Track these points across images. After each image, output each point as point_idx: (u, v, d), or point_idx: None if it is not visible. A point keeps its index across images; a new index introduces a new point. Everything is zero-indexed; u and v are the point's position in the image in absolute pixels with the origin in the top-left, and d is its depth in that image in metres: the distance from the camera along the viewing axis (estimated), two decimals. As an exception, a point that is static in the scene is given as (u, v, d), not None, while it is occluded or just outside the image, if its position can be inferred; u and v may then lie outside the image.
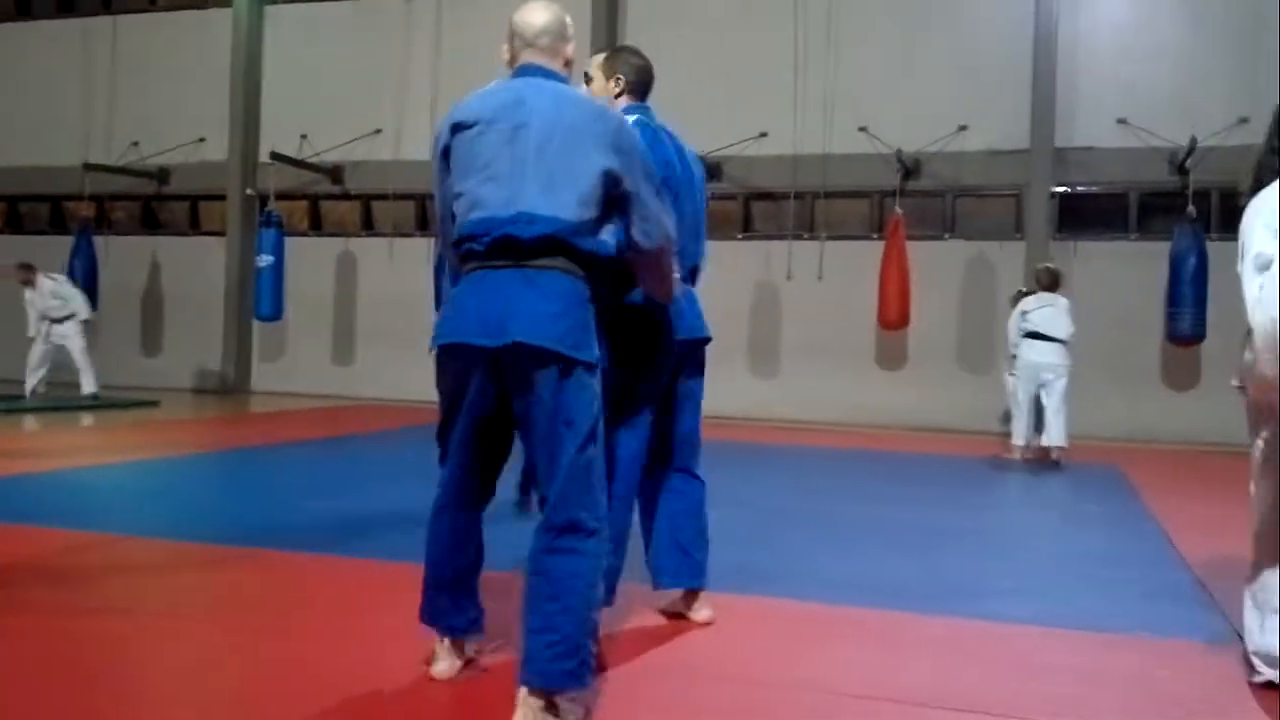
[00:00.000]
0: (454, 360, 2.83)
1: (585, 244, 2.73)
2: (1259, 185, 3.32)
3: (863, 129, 13.05)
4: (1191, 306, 11.38)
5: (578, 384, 2.67)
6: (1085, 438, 11.45)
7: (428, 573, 2.98)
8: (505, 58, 3.05)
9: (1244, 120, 11.92)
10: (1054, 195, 12.80)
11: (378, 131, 15.25)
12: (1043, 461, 9.31)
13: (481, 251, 2.73)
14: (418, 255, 14.60)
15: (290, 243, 14.69)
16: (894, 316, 12.49)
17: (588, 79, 3.73)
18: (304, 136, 15.32)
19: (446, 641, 3.01)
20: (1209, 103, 12.07)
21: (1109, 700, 3.11)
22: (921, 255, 12.58)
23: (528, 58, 2.97)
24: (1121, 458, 10.00)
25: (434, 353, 2.90)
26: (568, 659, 2.58)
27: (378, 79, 15.26)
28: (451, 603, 2.98)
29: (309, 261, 15.28)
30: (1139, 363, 12.40)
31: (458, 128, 2.87)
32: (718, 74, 13.81)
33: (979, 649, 3.62)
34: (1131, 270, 12.30)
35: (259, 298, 14.38)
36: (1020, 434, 9.42)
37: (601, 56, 3.80)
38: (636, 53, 3.85)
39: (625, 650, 3.44)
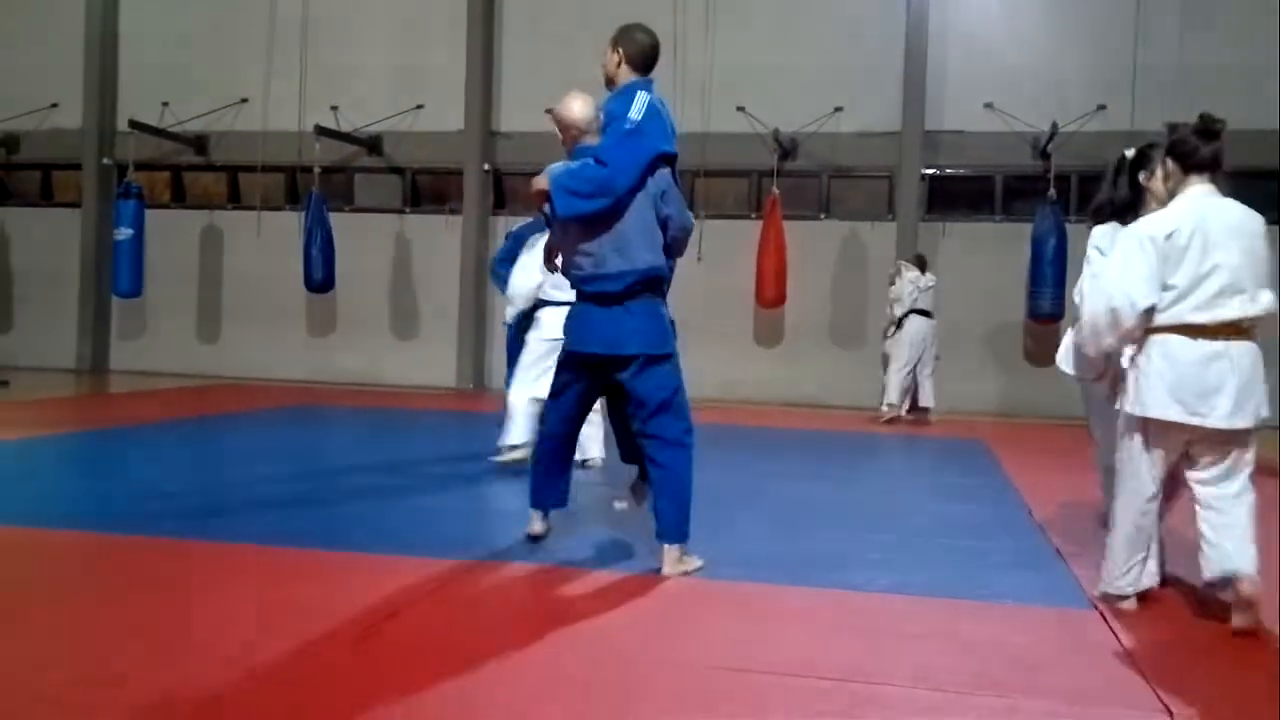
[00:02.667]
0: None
1: None
2: (1097, 220, 4.48)
3: (740, 109, 13.14)
4: (1052, 286, 11.83)
5: None
6: (952, 412, 11.85)
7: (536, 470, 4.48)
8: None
9: (1101, 107, 12.45)
10: (924, 177, 13.15)
11: (244, 100, 14.66)
12: (916, 421, 11.01)
13: None
14: (288, 229, 14.14)
15: (151, 215, 14.09)
16: (771, 295, 12.67)
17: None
18: (165, 104, 14.61)
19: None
20: (1069, 90, 12.55)
21: (968, 665, 3.19)
22: (797, 234, 12.77)
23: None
24: (986, 431, 10.37)
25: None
26: (685, 523, 4.15)
27: (245, 45, 14.65)
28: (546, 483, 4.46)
29: (171, 235, 14.66)
30: (1003, 340, 12.87)
31: None
32: (598, 51, 13.67)
33: (847, 619, 3.68)
34: (996, 251, 12.73)
35: (117, 273, 13.76)
36: (895, 393, 11.08)
37: (612, 36, 4.37)
38: (644, 29, 4.37)
39: (497, 631, 3.38)
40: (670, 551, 4.14)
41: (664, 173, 4.23)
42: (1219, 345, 3.57)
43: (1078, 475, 6.96)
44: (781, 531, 5.22)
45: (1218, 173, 3.72)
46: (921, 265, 11.44)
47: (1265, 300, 3.60)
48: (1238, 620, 3.57)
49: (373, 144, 14.38)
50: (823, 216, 13.57)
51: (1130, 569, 3.84)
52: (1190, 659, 3.37)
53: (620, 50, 4.27)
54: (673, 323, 4.44)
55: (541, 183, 4.19)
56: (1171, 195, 3.77)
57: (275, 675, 2.90)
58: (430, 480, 6.56)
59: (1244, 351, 3.59)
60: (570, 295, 4.48)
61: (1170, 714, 2.81)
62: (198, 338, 15.07)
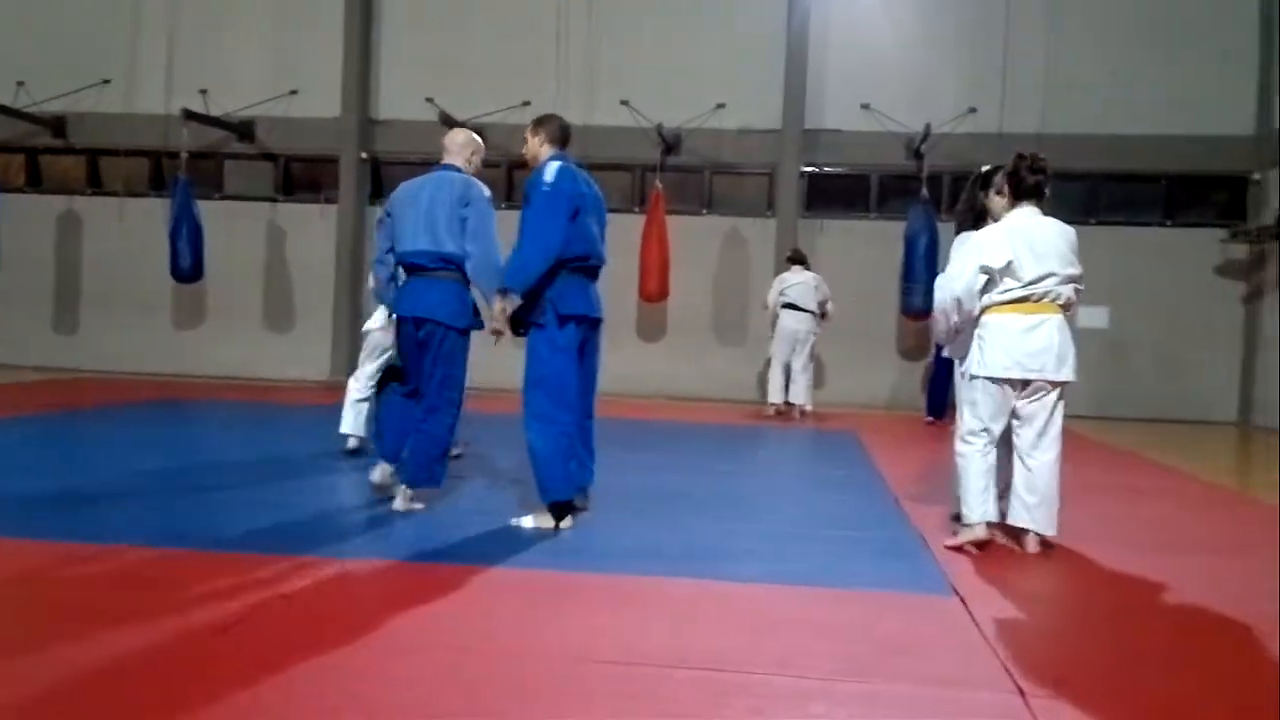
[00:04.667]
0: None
1: None
2: (959, 228, 5.37)
3: (624, 102, 13.16)
4: (924, 283, 12.14)
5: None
6: (827, 405, 12.10)
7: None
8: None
9: (972, 110, 12.88)
10: (803, 174, 13.38)
11: (106, 81, 14.00)
12: (790, 416, 11.09)
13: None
14: (153, 216, 13.56)
15: (4, 200, 13.31)
16: (654, 289, 12.73)
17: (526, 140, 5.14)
18: (20, 84, 13.84)
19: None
20: (942, 93, 12.94)
21: (833, 650, 3.24)
22: (680, 229, 12.86)
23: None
24: (859, 424, 10.61)
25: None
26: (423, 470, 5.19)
27: (107, 23, 14.00)
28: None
29: (26, 221, 13.86)
30: (877, 335, 13.19)
31: None
32: (479, 40, 13.57)
33: (717, 609, 3.70)
34: (871, 248, 13.04)
35: (-35, 260, 12.97)
36: (775, 389, 11.21)
37: (531, 123, 5.19)
38: (557, 117, 5.20)
39: (371, 626, 3.29)
40: (404, 492, 5.20)
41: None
42: (1038, 317, 4.67)
43: (943, 466, 7.18)
44: (656, 523, 5.23)
45: (1042, 198, 4.83)
46: (797, 261, 11.51)
47: (1072, 288, 4.75)
48: (1029, 548, 4.76)
49: (244, 130, 13.90)
50: (705, 212, 13.69)
51: (982, 503, 4.78)
52: (1043, 643, 3.49)
53: (543, 133, 5.09)
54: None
55: (502, 309, 4.88)
56: (1008, 211, 4.87)
57: (123, 672, 2.75)
58: (291, 477, 6.37)
59: (1057, 323, 4.69)
60: None
61: (1023, 694, 2.90)
62: (54, 329, 14.35)
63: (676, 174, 13.47)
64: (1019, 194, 4.84)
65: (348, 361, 13.81)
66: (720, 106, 13.22)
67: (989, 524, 4.84)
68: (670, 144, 13.19)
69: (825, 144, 13.36)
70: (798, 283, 11.21)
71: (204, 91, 13.69)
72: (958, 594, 3.97)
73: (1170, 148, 12.71)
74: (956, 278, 4.78)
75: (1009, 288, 4.68)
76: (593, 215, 5.02)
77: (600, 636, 3.32)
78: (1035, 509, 4.74)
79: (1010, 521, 4.84)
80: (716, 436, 9.45)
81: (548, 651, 3.16)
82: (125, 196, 14.13)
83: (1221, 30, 12.77)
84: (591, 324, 5.04)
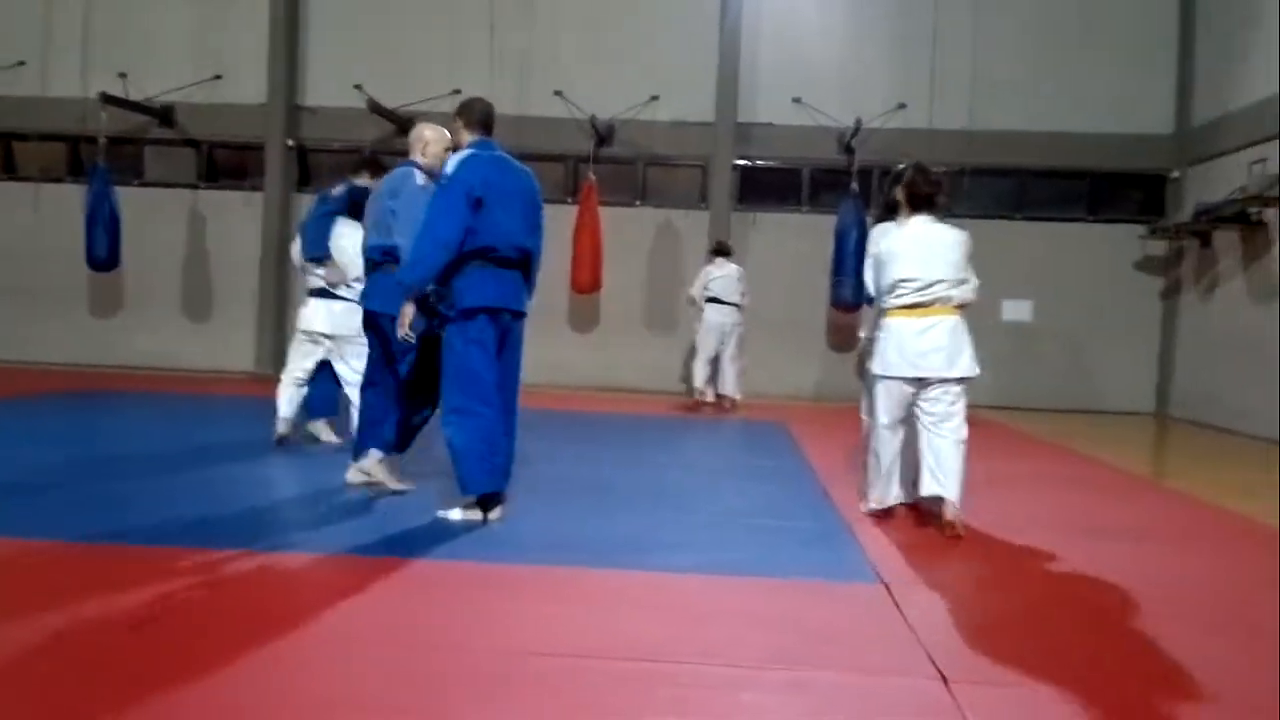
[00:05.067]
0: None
1: None
2: (877, 221, 5.64)
3: (558, 93, 13.07)
4: (853, 276, 12.20)
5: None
6: (758, 396, 12.17)
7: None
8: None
9: (901, 106, 13.03)
10: (736, 167, 13.42)
11: (21, 64, 13.52)
12: (720, 407, 11.07)
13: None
14: (69, 203, 13.13)
15: (-90, 184, 12.84)
16: (586, 281, 12.67)
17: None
18: (-73, 63, 13.32)
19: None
20: (872, 89, 13.06)
21: (761, 639, 3.25)
22: (613, 221, 12.82)
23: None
24: (789, 415, 10.69)
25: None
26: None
27: (20, 3, 13.51)
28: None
29: (-66, 206, 13.38)
30: (807, 327, 13.29)
31: None
32: (409, 27, 13.38)
33: (647, 600, 3.69)
34: (802, 241, 13.12)
35: None
36: (700, 380, 11.19)
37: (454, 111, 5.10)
38: (478, 99, 5.12)
39: (286, 622, 3.21)
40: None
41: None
42: (930, 320, 5.03)
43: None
44: (587, 515, 5.20)
45: (936, 206, 5.26)
46: (721, 252, 11.40)
47: (965, 290, 5.13)
48: (948, 530, 4.97)
49: (165, 115, 13.52)
50: (638, 204, 13.66)
51: (879, 488, 5.27)
52: (966, 630, 3.54)
53: (462, 119, 5.01)
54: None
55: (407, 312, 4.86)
56: (907, 218, 5.25)
57: (40, 664, 2.65)
58: (214, 468, 6.21)
59: (950, 324, 5.05)
60: None
61: (945, 680, 2.93)
62: (-36, 318, 13.84)
63: (609, 165, 13.42)
64: (914, 204, 5.26)
65: (273, 352, 13.55)
66: (654, 99, 13.20)
67: (904, 504, 5.32)
68: (603, 135, 13.14)
69: (758, 137, 13.42)
70: (721, 276, 11.14)
71: (123, 75, 13.28)
72: (883, 582, 4.01)
73: (1093, 145, 13.01)
74: (869, 284, 5.33)
75: (903, 293, 5.08)
76: (512, 204, 4.87)
77: (528, 628, 3.29)
78: (946, 480, 5.04)
79: (924, 493, 5.16)
80: (648, 428, 9.44)
81: (473, 643, 3.12)
82: (41, 182, 13.67)
83: (1142, 31, 13.09)
84: (510, 315, 4.90)
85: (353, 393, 6.46)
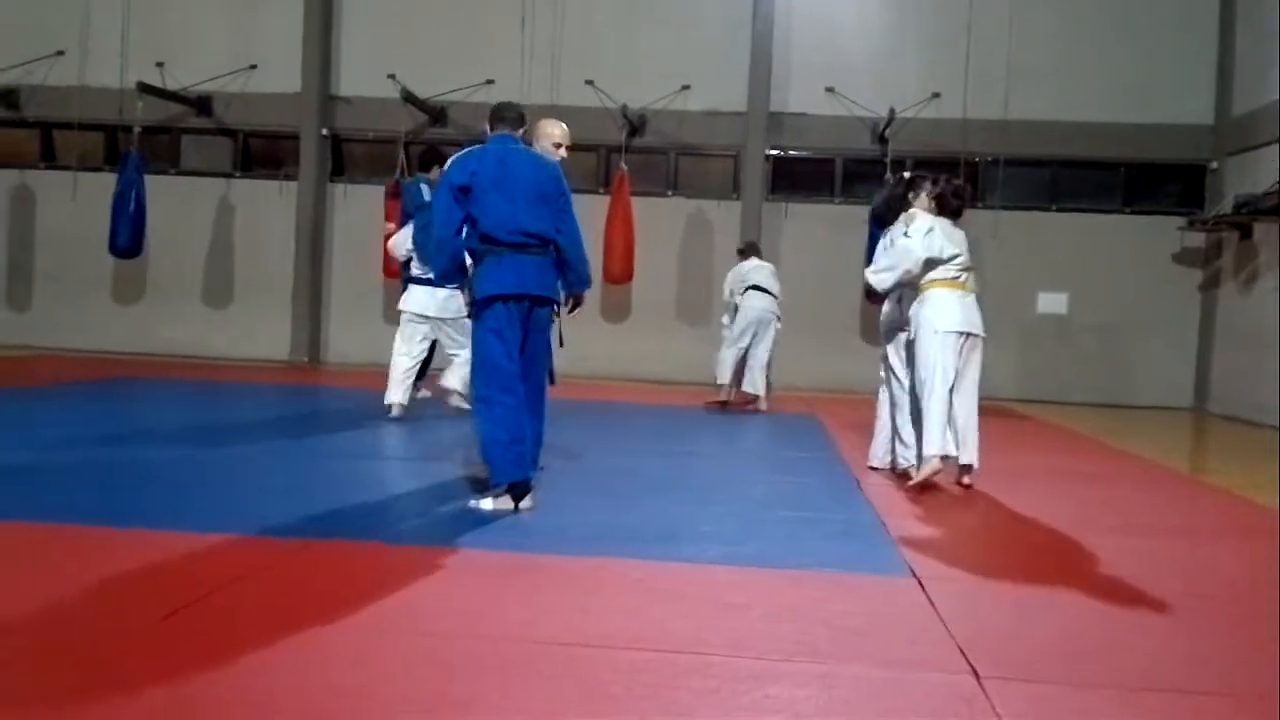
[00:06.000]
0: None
1: None
2: (881, 224, 6.58)
3: (589, 82, 13.06)
4: (886, 267, 12.20)
5: None
6: (789, 388, 12.12)
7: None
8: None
9: (936, 95, 12.92)
10: (768, 157, 13.36)
11: (60, 53, 13.70)
12: (750, 405, 10.21)
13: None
14: (107, 190, 13.28)
15: (-47, 173, 13.05)
16: (619, 271, 12.68)
17: None
18: (-29, 53, 13.52)
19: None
20: (906, 79, 12.96)
21: (791, 631, 3.24)
22: (645, 211, 12.81)
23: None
24: (821, 407, 10.64)
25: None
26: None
27: (60, -5, 13.69)
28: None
29: (-23, 194, 13.60)
30: (840, 318, 13.22)
31: None
32: (443, 17, 13.42)
33: (673, 590, 3.68)
34: (835, 231, 13.06)
35: (-88, 233, 12.66)
36: (727, 374, 10.26)
37: None
38: (498, 105, 5.32)
39: (327, 609, 3.24)
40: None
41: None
42: (971, 297, 6.04)
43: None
44: (616, 505, 5.20)
45: (959, 217, 6.20)
46: (752, 252, 10.66)
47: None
48: (963, 481, 6.03)
49: (202, 104, 13.65)
50: (670, 194, 13.65)
51: (936, 437, 5.83)
52: (999, 624, 3.51)
53: (487, 124, 5.19)
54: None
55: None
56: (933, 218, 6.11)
57: (74, 650, 2.69)
58: (248, 457, 6.28)
59: (975, 300, 6.09)
60: None
61: (976, 675, 2.91)
62: (6, 304, 14.07)
63: (641, 155, 13.42)
64: (943, 211, 6.16)
65: (308, 340, 13.69)
66: (685, 88, 13.17)
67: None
68: (635, 125, 13.13)
69: (790, 127, 13.35)
70: (758, 267, 10.42)
71: (160, 65, 13.43)
72: (915, 575, 3.99)
73: (1130, 135, 12.83)
74: (919, 250, 5.97)
75: (951, 270, 6.01)
76: (511, 189, 4.85)
77: (556, 617, 3.29)
78: (967, 446, 6.02)
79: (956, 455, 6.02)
80: (678, 418, 9.43)
81: (500, 632, 3.12)
82: (79, 170, 13.84)
83: (1181, 20, 12.88)
84: (531, 300, 4.88)
85: (460, 353, 7.67)
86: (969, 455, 6.00)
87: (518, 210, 4.85)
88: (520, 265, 4.84)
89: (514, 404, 4.80)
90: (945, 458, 5.91)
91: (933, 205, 6.14)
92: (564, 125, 5.58)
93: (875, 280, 6.21)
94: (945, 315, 5.91)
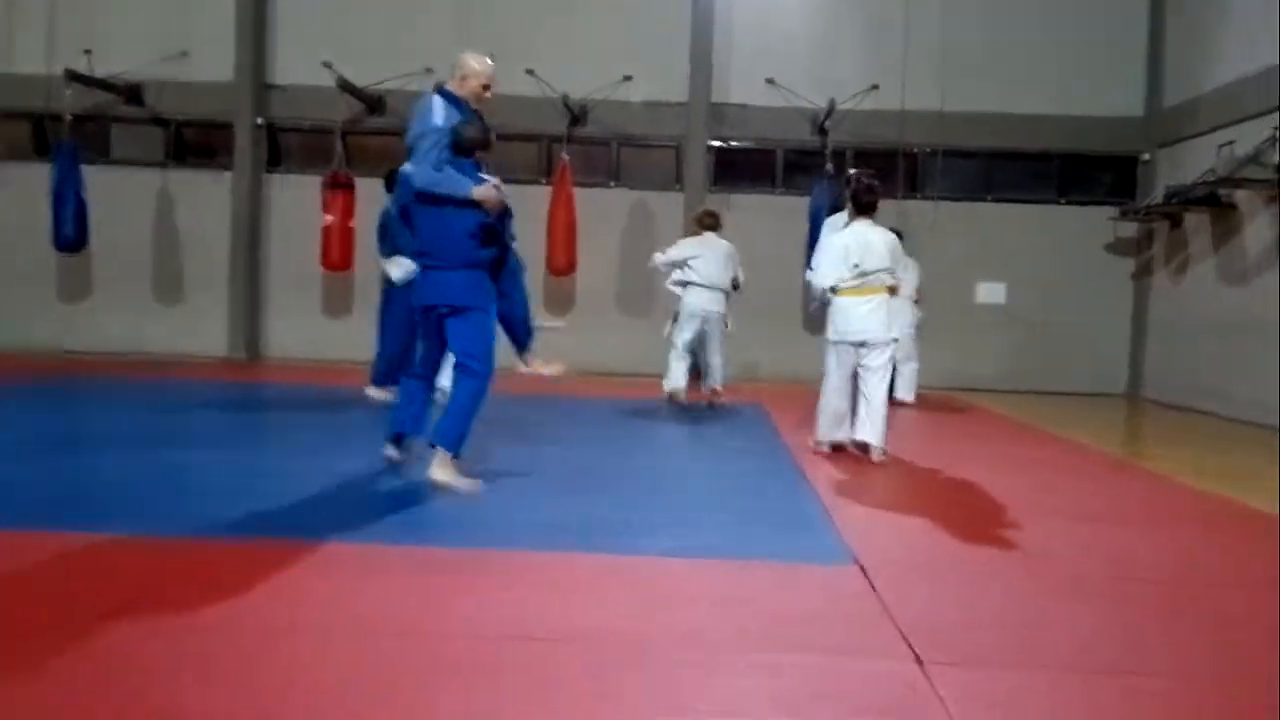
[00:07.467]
0: None
1: None
2: (830, 213, 7.86)
3: (530, 71, 12.95)
4: (826, 257, 12.28)
5: None
6: (735, 378, 12.15)
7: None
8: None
9: (874, 87, 13.02)
10: (710, 149, 13.38)
11: (-18, 40, 13.27)
12: (703, 402, 9.48)
13: None
14: (35, 181, 12.89)
15: None
16: (562, 262, 12.62)
17: None
18: (-115, 39, 13.03)
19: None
20: (845, 70, 13.04)
21: (734, 620, 3.25)
22: (587, 202, 12.76)
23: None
24: (765, 396, 10.69)
25: None
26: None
27: (-19, -22, 13.25)
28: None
29: (-108, 186, 13.11)
30: (783, 307, 13.28)
31: None
32: (381, 6, 13.23)
33: (619, 583, 3.67)
34: (777, 222, 13.11)
35: None
36: (677, 379, 9.32)
37: None
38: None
39: (256, 605, 3.17)
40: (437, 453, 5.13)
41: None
42: (875, 299, 6.65)
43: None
44: (564, 499, 5.17)
45: (874, 211, 6.79)
46: (709, 226, 9.41)
47: (895, 276, 6.79)
48: (872, 458, 6.68)
49: (131, 93, 13.30)
50: (612, 184, 13.60)
51: (828, 430, 6.85)
52: (941, 612, 3.54)
53: None
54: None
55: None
56: (852, 219, 6.83)
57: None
58: (183, 458, 6.15)
59: (883, 300, 6.68)
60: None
61: (919, 661, 2.94)
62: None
63: (583, 146, 13.35)
64: (857, 209, 6.75)
65: (246, 336, 13.43)
66: (627, 79, 13.13)
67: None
68: (576, 115, 13.06)
69: (732, 118, 13.38)
70: (704, 255, 9.18)
71: (88, 52, 13.06)
72: (859, 564, 4.02)
73: (1063, 127, 13.06)
74: (822, 269, 6.77)
75: (847, 277, 6.67)
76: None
77: (497, 612, 3.26)
78: (874, 428, 6.70)
79: (858, 437, 6.78)
80: (623, 411, 9.41)
81: (448, 629, 3.09)
82: (6, 161, 13.42)
83: (1112, 13, 13.13)
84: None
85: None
86: (875, 437, 6.68)
87: None
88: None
89: None
90: (835, 446, 6.85)
91: (851, 208, 6.79)
92: (488, 60, 5.42)
93: (812, 280, 6.90)
94: (841, 325, 6.70)
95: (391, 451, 5.60)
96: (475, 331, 5.11)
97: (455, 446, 5.08)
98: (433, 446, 5.12)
